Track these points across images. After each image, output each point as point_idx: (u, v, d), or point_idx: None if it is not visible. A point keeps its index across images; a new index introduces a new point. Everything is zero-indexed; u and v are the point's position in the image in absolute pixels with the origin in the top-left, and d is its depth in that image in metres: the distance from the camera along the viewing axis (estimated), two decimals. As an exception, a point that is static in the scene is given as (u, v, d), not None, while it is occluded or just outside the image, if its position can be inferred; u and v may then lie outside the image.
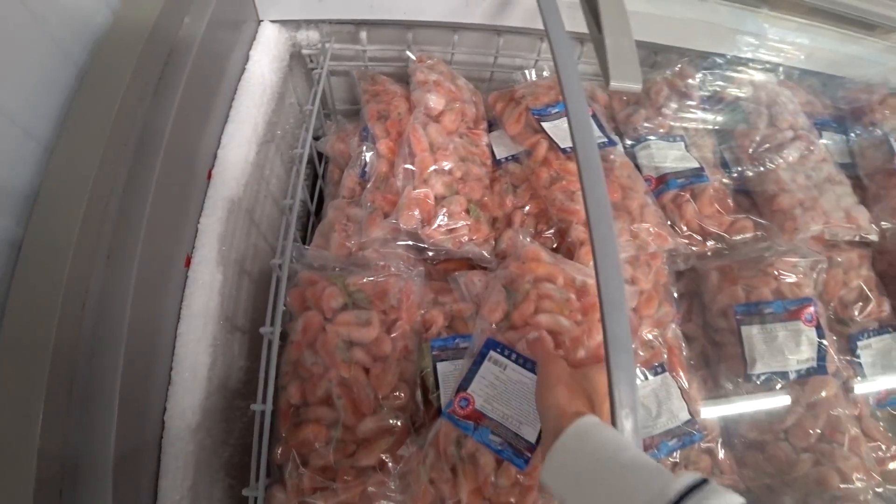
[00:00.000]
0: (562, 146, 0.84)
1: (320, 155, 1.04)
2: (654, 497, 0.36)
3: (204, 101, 0.71)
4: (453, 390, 0.65)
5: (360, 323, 0.67)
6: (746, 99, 1.03)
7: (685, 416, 0.75)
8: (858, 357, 0.91)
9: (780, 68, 1.07)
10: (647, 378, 0.76)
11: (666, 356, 0.78)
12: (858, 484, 0.77)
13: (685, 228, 0.90)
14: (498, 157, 0.92)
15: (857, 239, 0.95)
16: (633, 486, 0.39)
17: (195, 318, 0.63)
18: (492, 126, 0.98)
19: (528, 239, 0.77)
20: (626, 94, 1.04)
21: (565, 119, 0.69)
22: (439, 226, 0.77)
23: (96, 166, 0.50)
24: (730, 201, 0.94)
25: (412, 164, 0.80)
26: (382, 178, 0.83)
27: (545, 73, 1.01)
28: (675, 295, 0.88)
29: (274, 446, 0.63)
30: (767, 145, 0.97)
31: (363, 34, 0.95)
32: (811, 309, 0.83)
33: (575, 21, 0.67)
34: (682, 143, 0.98)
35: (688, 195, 0.91)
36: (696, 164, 0.94)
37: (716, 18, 1.00)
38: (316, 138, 1.00)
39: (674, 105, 0.99)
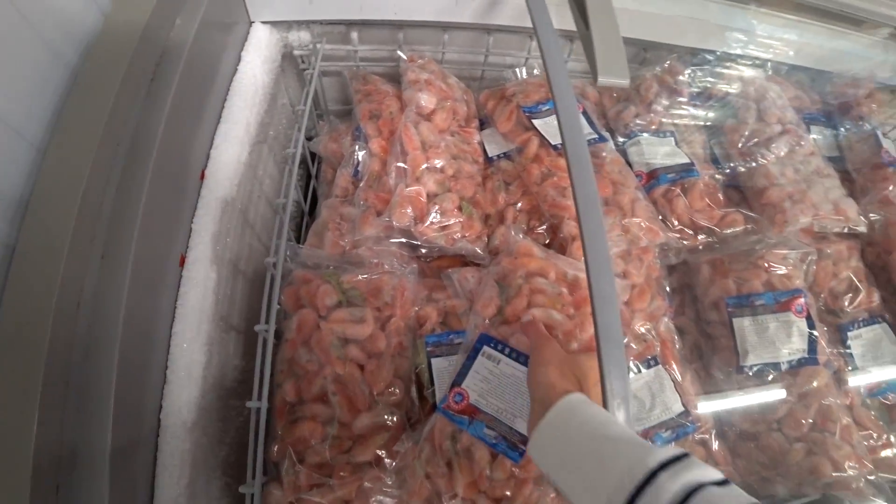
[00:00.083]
0: (552, 143, 0.85)
1: (313, 155, 1.04)
2: (635, 464, 0.38)
3: (196, 102, 0.71)
4: (448, 385, 0.66)
5: (354, 320, 0.67)
6: (735, 94, 1.04)
7: (679, 408, 0.76)
8: (849, 347, 0.93)
9: (769, 64, 1.08)
10: (640, 371, 0.77)
11: (659, 349, 0.79)
12: (850, 472, 0.78)
13: (676, 223, 0.91)
14: (490, 155, 0.93)
15: (845, 231, 0.97)
16: (615, 456, 0.40)
17: (190, 317, 0.63)
18: (483, 124, 0.99)
19: (521, 235, 0.77)
20: (615, 91, 1.05)
21: (555, 116, 0.70)
22: (432, 223, 0.77)
23: (89, 167, 0.50)
24: (720, 195, 0.95)
25: (404, 162, 0.80)
26: (375, 176, 0.84)
27: (535, 71, 1.02)
28: (668, 289, 0.88)
29: (270, 444, 0.63)
30: (756, 140, 0.98)
31: (354, 34, 0.96)
32: (801, 300, 0.84)
33: (564, 19, 0.68)
34: (673, 139, 0.99)
35: (678, 190, 0.92)
36: (686, 160, 0.95)
37: (705, 15, 1.01)
38: (308, 138, 1.01)
39: (664, 101, 1.00)
